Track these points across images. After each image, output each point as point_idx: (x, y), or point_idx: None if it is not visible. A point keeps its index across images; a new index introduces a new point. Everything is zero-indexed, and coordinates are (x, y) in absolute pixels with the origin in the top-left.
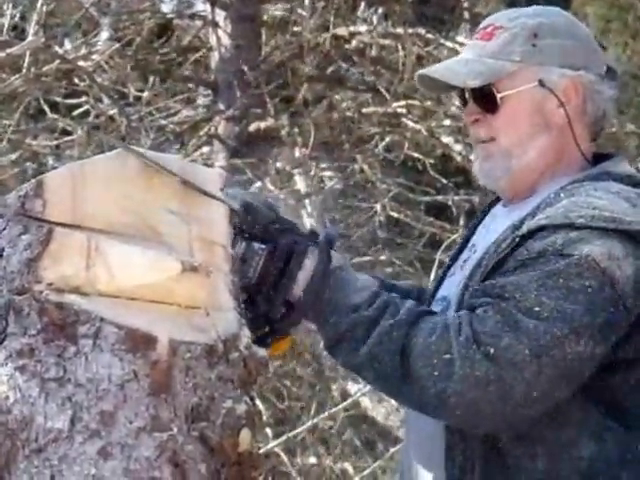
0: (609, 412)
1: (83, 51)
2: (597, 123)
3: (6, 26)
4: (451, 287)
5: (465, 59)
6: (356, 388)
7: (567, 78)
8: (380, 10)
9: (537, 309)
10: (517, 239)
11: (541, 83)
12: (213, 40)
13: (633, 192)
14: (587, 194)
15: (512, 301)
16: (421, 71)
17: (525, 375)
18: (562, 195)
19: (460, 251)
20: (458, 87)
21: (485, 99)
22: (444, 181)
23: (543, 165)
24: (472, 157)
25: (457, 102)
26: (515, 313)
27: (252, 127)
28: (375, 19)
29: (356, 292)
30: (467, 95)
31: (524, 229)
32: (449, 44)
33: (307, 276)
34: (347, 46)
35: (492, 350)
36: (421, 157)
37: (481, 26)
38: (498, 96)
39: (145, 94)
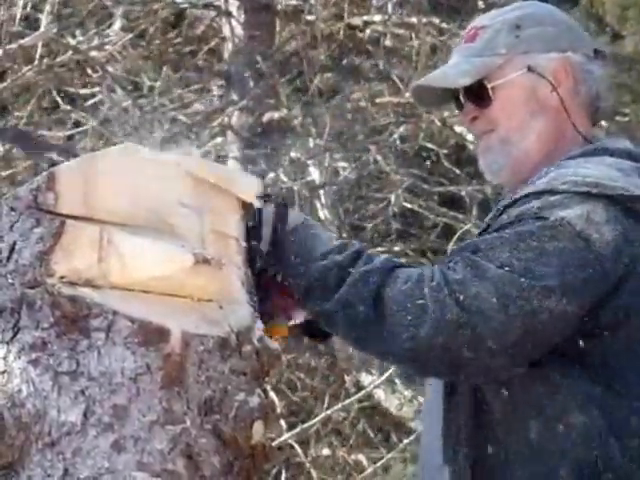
0: (598, 379)
1: (96, 42)
2: (592, 103)
3: (18, 17)
4: None
5: (453, 63)
6: (370, 379)
7: (555, 61)
8: None
9: (507, 268)
10: (501, 208)
11: (530, 69)
12: (226, 30)
13: (628, 165)
14: (577, 166)
15: (484, 256)
16: (413, 85)
17: (493, 324)
18: (552, 169)
19: None
20: (451, 95)
21: (478, 94)
22: (457, 171)
23: (542, 148)
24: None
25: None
26: (485, 264)
27: (266, 117)
28: (389, 8)
29: (324, 242)
30: (462, 98)
31: (509, 199)
32: (463, 33)
33: (269, 230)
34: (361, 36)
35: (461, 297)
36: (435, 147)
37: (464, 32)
38: (489, 86)
39: (158, 85)
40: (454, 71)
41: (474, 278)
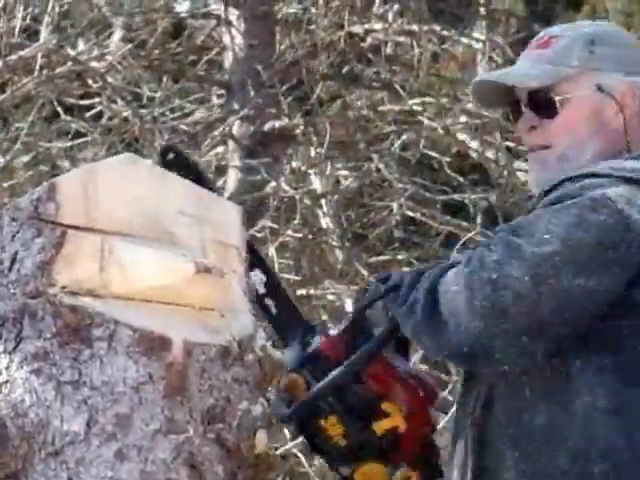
0: (615, 369)
1: (95, 52)
2: None
3: (17, 28)
4: None
5: (522, 66)
6: None
7: (625, 83)
8: (395, 7)
9: (546, 236)
10: (543, 193)
11: (599, 88)
12: (227, 39)
13: None
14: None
15: (522, 233)
16: (477, 78)
17: (523, 302)
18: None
19: None
20: (510, 100)
21: (543, 104)
22: (460, 179)
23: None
24: (527, 168)
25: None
26: (521, 243)
27: (267, 127)
28: (390, 16)
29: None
30: (522, 104)
31: (546, 187)
32: (465, 41)
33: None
34: (362, 44)
35: (495, 276)
36: (437, 155)
37: (535, 38)
38: (557, 99)
39: (158, 95)
40: (524, 72)
41: (509, 258)
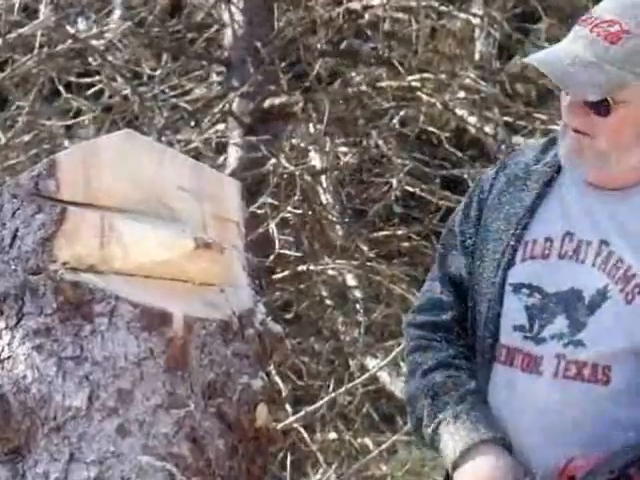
0: None
1: (95, 30)
2: None
3: (17, 6)
4: (566, 279)
5: (585, 60)
6: (374, 363)
7: None
8: None
9: None
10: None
11: None
12: (226, 16)
13: None
14: None
15: None
16: (534, 62)
17: None
18: None
19: (516, 229)
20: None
21: (597, 103)
22: (459, 154)
23: None
24: (558, 135)
25: (472, 75)
26: None
27: (266, 103)
28: None
29: None
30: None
31: None
32: (463, 16)
33: None
34: (360, 20)
35: None
36: (436, 131)
37: (601, 19)
38: (612, 105)
39: (158, 72)
40: (586, 76)
41: None
